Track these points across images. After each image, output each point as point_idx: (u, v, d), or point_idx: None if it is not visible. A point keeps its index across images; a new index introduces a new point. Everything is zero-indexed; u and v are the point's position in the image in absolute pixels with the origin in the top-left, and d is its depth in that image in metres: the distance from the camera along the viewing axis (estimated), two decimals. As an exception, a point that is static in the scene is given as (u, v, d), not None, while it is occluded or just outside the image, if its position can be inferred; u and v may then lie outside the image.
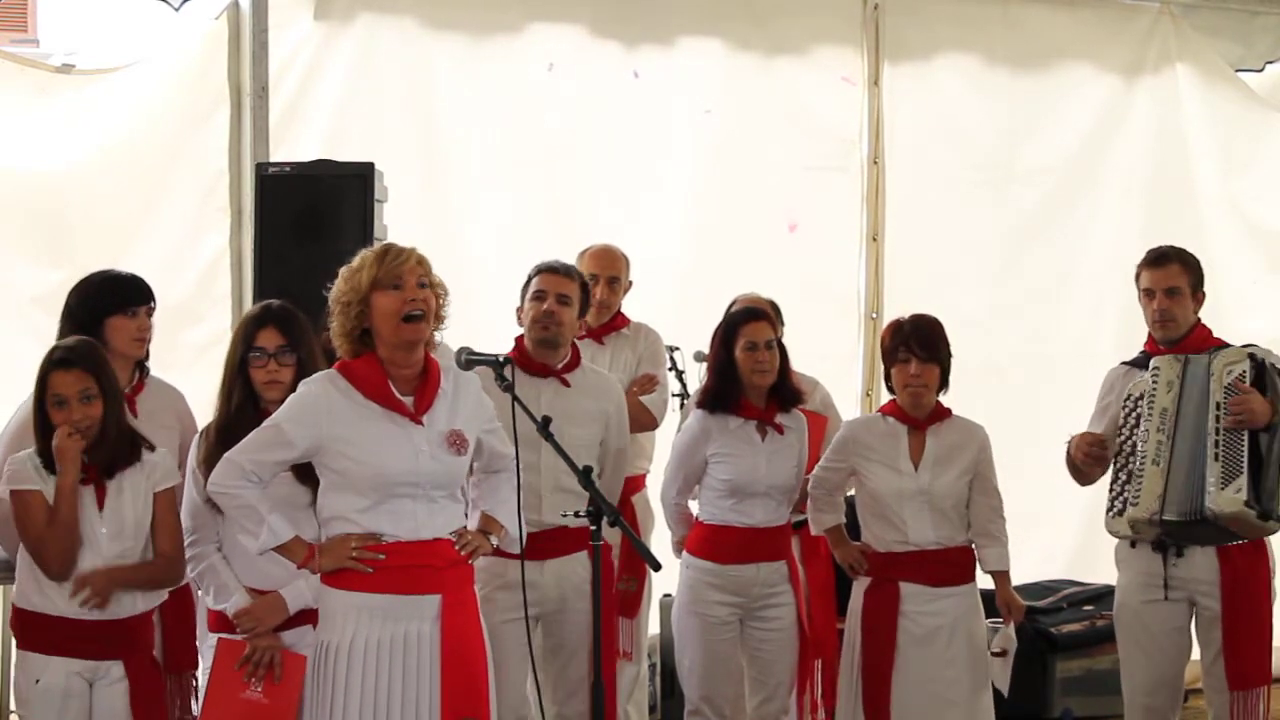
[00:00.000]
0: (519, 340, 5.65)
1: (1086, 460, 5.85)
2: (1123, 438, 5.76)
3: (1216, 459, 5.53)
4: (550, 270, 5.62)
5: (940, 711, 5.56)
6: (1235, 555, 5.65)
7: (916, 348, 5.58)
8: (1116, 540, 5.86)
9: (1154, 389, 5.65)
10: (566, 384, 5.57)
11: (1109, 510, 5.77)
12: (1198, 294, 5.84)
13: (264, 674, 4.61)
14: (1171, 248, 5.90)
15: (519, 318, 5.67)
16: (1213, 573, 5.65)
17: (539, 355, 5.53)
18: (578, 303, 5.63)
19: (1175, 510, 5.56)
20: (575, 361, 5.65)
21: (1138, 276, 5.87)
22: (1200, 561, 5.66)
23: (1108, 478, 5.93)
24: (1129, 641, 5.85)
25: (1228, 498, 5.51)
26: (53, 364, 4.74)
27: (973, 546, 5.69)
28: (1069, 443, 5.94)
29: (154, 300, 5.37)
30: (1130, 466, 5.70)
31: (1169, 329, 5.80)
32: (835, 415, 6.35)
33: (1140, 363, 5.86)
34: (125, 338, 5.24)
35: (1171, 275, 5.79)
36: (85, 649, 4.69)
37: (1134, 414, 5.72)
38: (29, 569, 4.74)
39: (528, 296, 5.62)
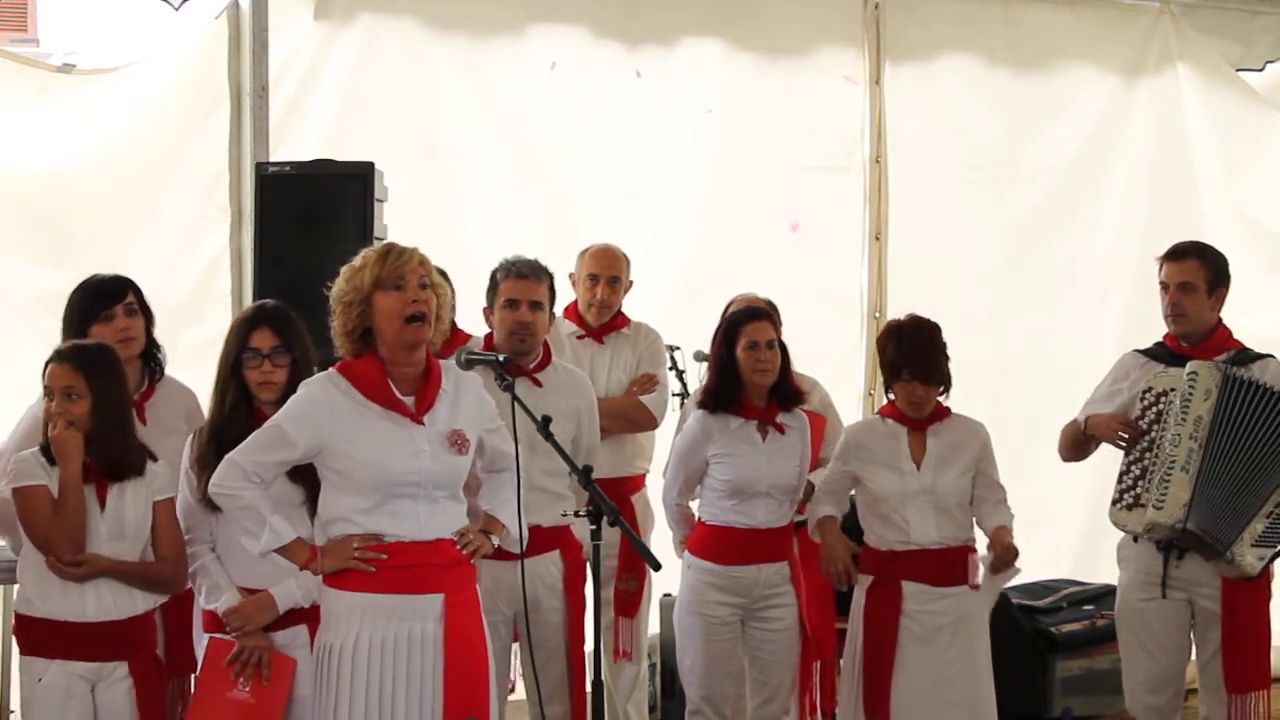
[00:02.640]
0: (488, 338, 5.65)
1: (1114, 439, 5.80)
2: (1140, 428, 5.72)
3: (1268, 516, 5.55)
4: (519, 275, 5.60)
5: (941, 711, 5.55)
6: None
7: (920, 371, 5.60)
8: (1121, 536, 5.85)
9: (1190, 393, 5.60)
10: (538, 383, 5.57)
11: (1116, 502, 5.75)
12: (1216, 291, 5.82)
13: (252, 673, 4.62)
14: (1193, 243, 5.91)
15: (486, 318, 5.66)
16: (1213, 575, 5.65)
17: (511, 356, 5.50)
18: (549, 303, 5.63)
19: (1197, 524, 5.54)
20: (546, 360, 5.65)
21: (1159, 269, 5.88)
22: (1201, 564, 5.66)
23: (1094, 463, 5.94)
24: (1131, 640, 5.85)
25: (1251, 560, 5.54)
26: (52, 357, 4.79)
27: (975, 546, 5.69)
28: (1083, 421, 5.91)
29: (130, 295, 5.32)
30: (1146, 462, 5.68)
31: (1181, 324, 5.80)
32: (834, 415, 6.35)
33: (1157, 355, 5.86)
34: (108, 341, 5.22)
35: (1187, 270, 5.79)
36: (88, 651, 4.69)
37: (1153, 409, 5.69)
38: (31, 573, 4.75)
39: (498, 303, 5.60)
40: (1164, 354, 5.85)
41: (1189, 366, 5.66)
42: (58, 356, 4.77)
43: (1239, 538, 5.53)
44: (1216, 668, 5.67)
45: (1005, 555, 5.58)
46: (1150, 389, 5.73)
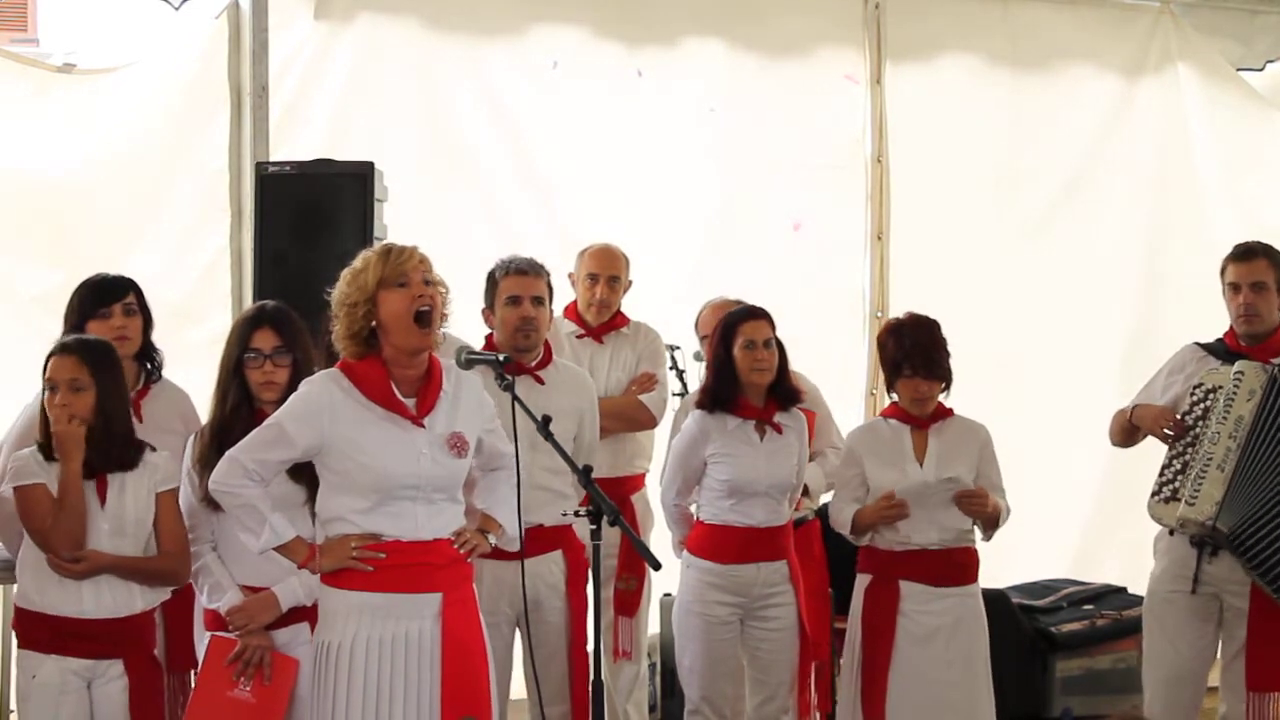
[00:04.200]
0: (489, 339, 5.64)
1: (1159, 433, 5.76)
2: (1186, 424, 5.70)
3: None
4: (519, 272, 5.59)
5: (939, 713, 5.54)
6: None
7: (921, 367, 5.59)
8: (1158, 529, 5.83)
9: (1234, 393, 5.58)
10: (540, 381, 5.56)
11: (1155, 494, 5.73)
12: None
13: (253, 673, 4.63)
14: (1259, 243, 5.88)
15: (486, 319, 5.65)
16: (1245, 573, 5.62)
17: (513, 355, 5.49)
18: (549, 299, 5.63)
19: (1228, 523, 5.52)
20: (547, 358, 5.65)
21: (1223, 270, 5.84)
22: (1233, 561, 5.63)
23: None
24: (1156, 632, 5.84)
25: None
26: (56, 349, 4.77)
27: (975, 547, 5.69)
28: (1130, 411, 5.88)
29: (130, 295, 5.33)
30: (1188, 457, 5.66)
31: (1254, 324, 5.77)
32: (822, 408, 6.32)
33: (1216, 350, 5.83)
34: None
35: (1258, 270, 5.76)
36: (85, 648, 4.68)
37: (1202, 404, 5.67)
38: (30, 568, 4.75)
39: (499, 300, 5.59)
40: (1223, 350, 5.82)
41: (1237, 366, 5.63)
42: (62, 349, 4.76)
43: None
44: (1240, 666, 5.66)
45: (974, 493, 5.56)
46: (1201, 384, 5.70)
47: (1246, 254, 5.80)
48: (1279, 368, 5.62)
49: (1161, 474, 5.75)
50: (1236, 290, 5.78)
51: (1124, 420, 5.96)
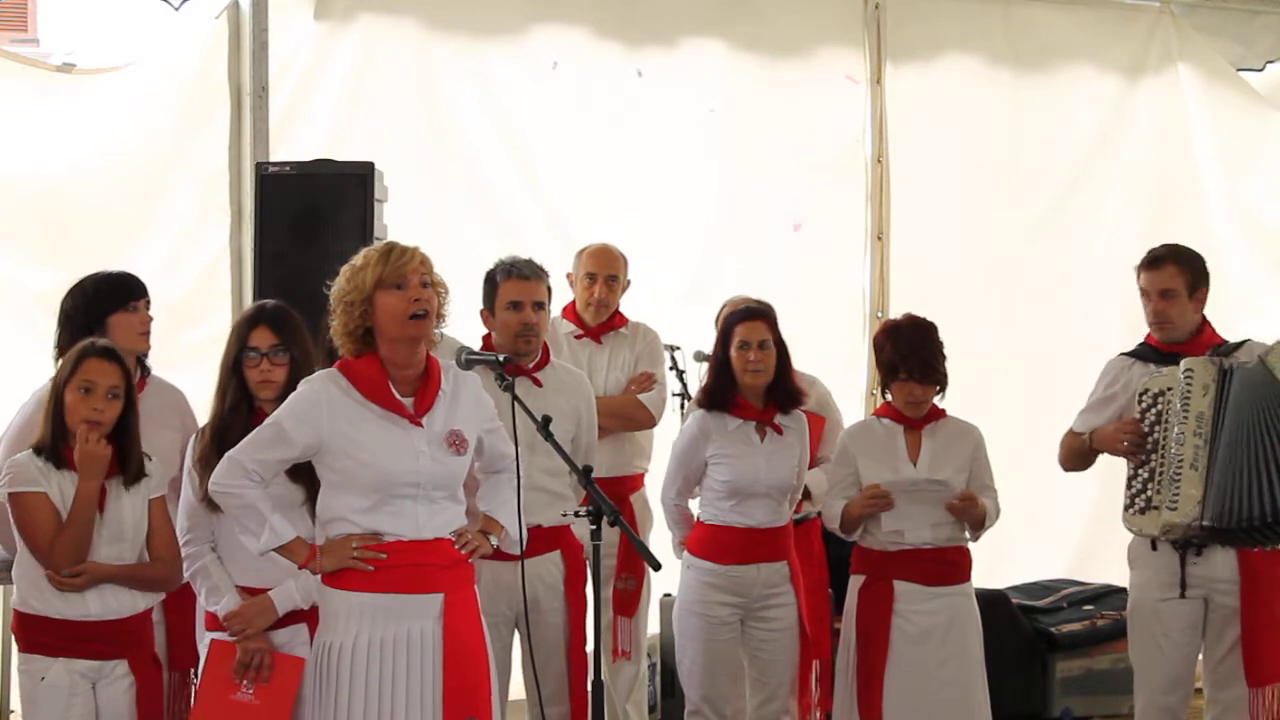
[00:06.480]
0: (486, 339, 5.63)
1: (1119, 449, 5.73)
2: (1143, 432, 5.67)
3: None
4: (521, 277, 5.57)
5: (934, 711, 5.55)
6: (1254, 553, 5.60)
7: (917, 371, 5.59)
8: (1131, 538, 5.81)
9: (1188, 390, 5.55)
10: (538, 383, 5.55)
11: (1128, 507, 5.70)
12: (1197, 293, 5.77)
13: (255, 676, 4.61)
14: (1168, 248, 5.85)
15: (484, 319, 5.64)
16: (1231, 570, 5.62)
17: (512, 357, 5.48)
18: (549, 301, 5.63)
19: (1212, 516, 5.49)
20: (545, 359, 5.64)
21: (1138, 277, 5.84)
22: (1219, 560, 5.63)
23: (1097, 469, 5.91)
24: (1146, 640, 5.80)
25: None
26: (94, 350, 4.71)
27: (968, 546, 5.69)
28: (1087, 436, 5.85)
29: (148, 294, 5.35)
30: (1153, 464, 5.63)
31: (1166, 330, 5.77)
32: (833, 414, 6.33)
33: (1145, 355, 5.81)
34: (130, 333, 5.23)
35: (1166, 277, 5.75)
36: (88, 650, 4.68)
37: (1153, 409, 5.64)
38: (27, 573, 4.72)
39: (500, 304, 5.57)
40: (1152, 354, 5.80)
41: (1184, 364, 5.60)
42: (107, 354, 4.71)
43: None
44: (1229, 664, 5.65)
45: (964, 500, 5.57)
46: (1147, 390, 5.68)
47: (1154, 261, 5.78)
48: (1226, 360, 5.59)
49: (1130, 485, 5.72)
50: (1147, 298, 5.78)
51: (1080, 446, 5.90)
